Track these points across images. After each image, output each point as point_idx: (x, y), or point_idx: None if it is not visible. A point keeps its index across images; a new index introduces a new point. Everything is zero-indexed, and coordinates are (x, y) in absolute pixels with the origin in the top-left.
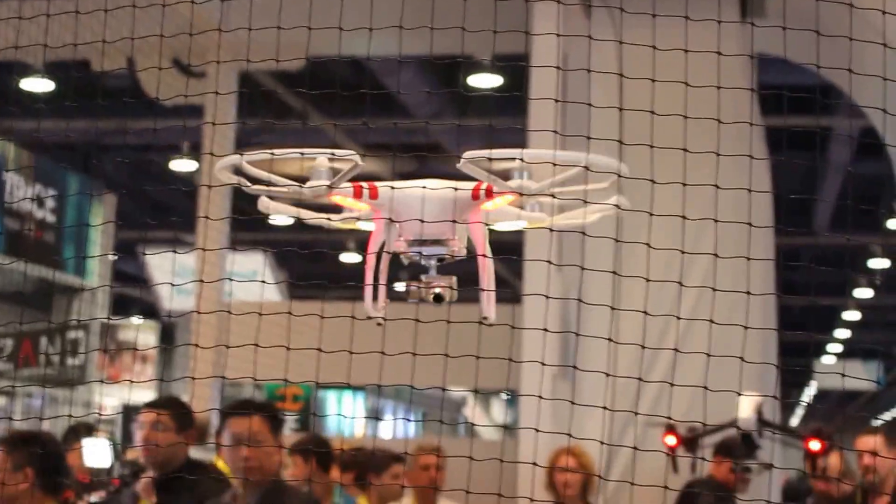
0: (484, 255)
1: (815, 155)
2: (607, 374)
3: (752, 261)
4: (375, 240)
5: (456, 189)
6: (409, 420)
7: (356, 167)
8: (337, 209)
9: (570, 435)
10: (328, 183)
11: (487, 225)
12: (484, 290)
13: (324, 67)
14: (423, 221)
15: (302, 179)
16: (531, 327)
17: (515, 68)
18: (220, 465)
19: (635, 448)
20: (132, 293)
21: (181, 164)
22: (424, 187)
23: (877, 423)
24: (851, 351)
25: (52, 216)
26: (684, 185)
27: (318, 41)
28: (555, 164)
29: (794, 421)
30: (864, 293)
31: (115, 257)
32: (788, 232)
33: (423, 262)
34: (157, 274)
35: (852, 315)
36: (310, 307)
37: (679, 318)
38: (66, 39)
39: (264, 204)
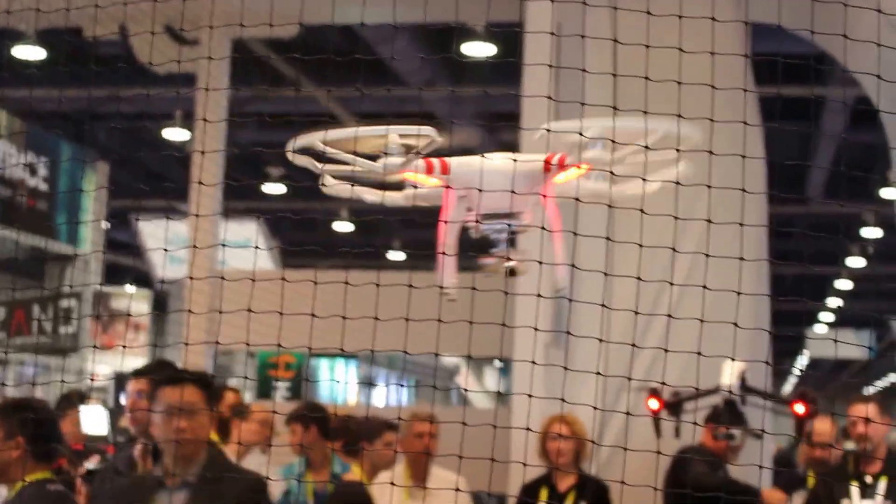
0: (557, 229)
1: (809, 124)
2: (600, 340)
3: (745, 228)
4: (448, 214)
5: (528, 162)
6: (402, 385)
7: (432, 143)
8: (399, 186)
9: (563, 400)
10: (402, 160)
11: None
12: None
13: (317, 35)
14: (478, 192)
15: (370, 157)
16: (524, 293)
17: (509, 37)
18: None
19: (628, 413)
20: (125, 261)
21: (174, 133)
22: (493, 160)
23: (869, 391)
24: (844, 320)
25: (44, 185)
26: (678, 150)
27: (311, 8)
28: (645, 143)
29: (787, 389)
30: (856, 262)
31: (108, 225)
32: (782, 200)
33: (493, 236)
34: (149, 242)
35: (845, 284)
36: (302, 276)
37: (672, 285)
38: (58, 5)
39: (330, 184)
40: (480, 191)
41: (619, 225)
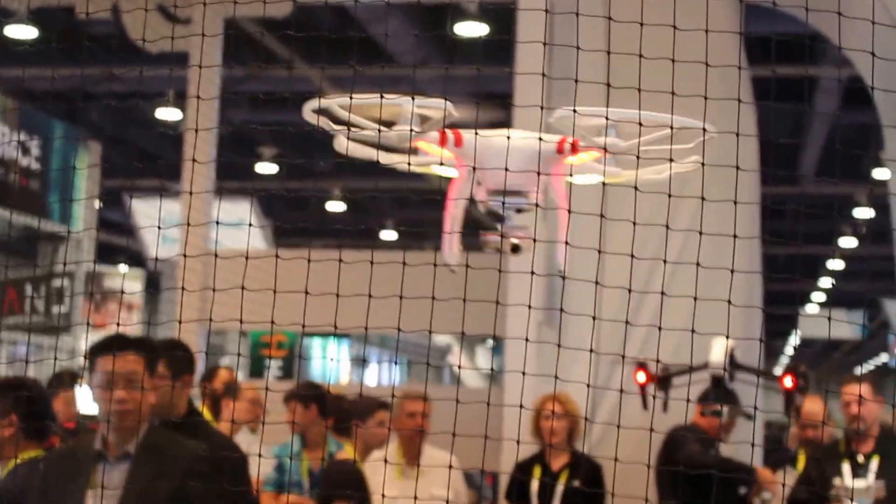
0: (566, 209)
1: (802, 103)
2: (593, 318)
3: (738, 207)
4: (457, 187)
5: (541, 141)
6: (395, 363)
7: (448, 115)
8: (414, 151)
9: (556, 377)
10: (417, 129)
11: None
12: (564, 242)
13: (310, 14)
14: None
15: (387, 124)
16: (517, 270)
17: (501, 17)
18: (206, 413)
19: (622, 391)
20: (118, 241)
21: (166, 112)
22: (509, 137)
23: (860, 371)
24: (836, 300)
25: (36, 164)
26: (671, 128)
27: None
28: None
29: (778, 370)
30: (848, 242)
31: (100, 205)
32: (775, 180)
33: (502, 213)
34: (142, 221)
35: (836, 264)
36: (295, 254)
37: (665, 262)
38: None
39: (341, 144)
40: (488, 171)
41: (612, 202)
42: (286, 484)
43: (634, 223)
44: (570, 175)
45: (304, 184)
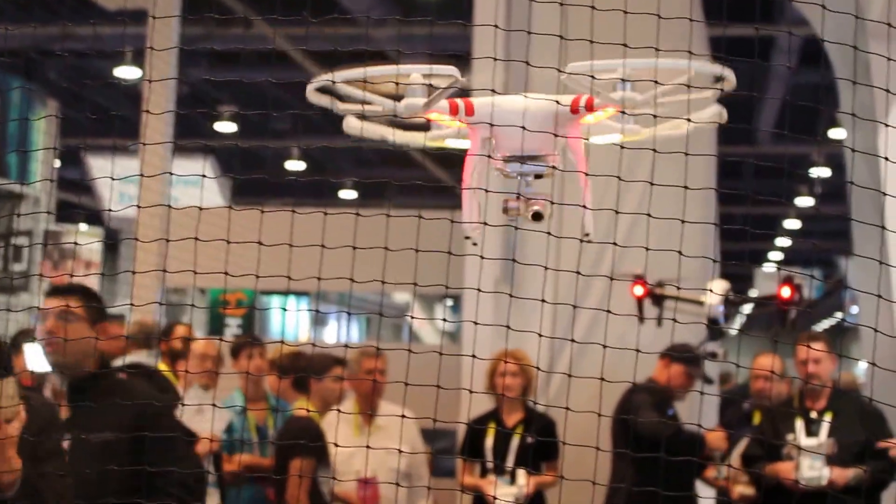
0: (585, 172)
1: (758, 63)
2: (545, 268)
3: (694, 162)
4: (473, 158)
5: (556, 103)
6: (349, 314)
7: (456, 83)
8: (427, 127)
9: (508, 327)
10: (424, 101)
11: (585, 139)
12: (586, 206)
13: None
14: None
15: (395, 97)
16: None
17: None
18: (165, 370)
19: (573, 341)
20: (76, 199)
21: (125, 71)
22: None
23: (816, 329)
24: (791, 259)
25: None
26: (623, 80)
27: None
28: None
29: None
30: (804, 202)
31: (58, 163)
32: (731, 140)
33: (520, 179)
34: (100, 180)
35: (793, 223)
36: (253, 213)
37: (617, 213)
38: None
39: (352, 125)
40: (503, 137)
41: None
42: (237, 444)
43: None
44: (593, 135)
45: (263, 142)
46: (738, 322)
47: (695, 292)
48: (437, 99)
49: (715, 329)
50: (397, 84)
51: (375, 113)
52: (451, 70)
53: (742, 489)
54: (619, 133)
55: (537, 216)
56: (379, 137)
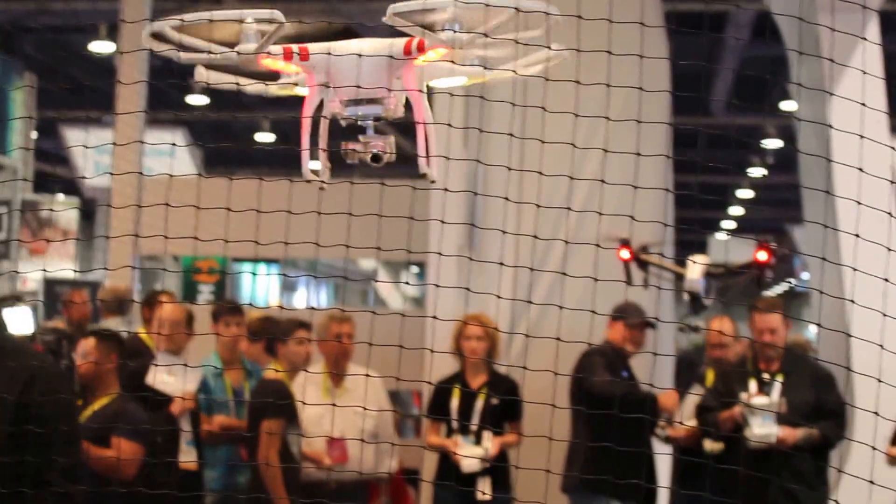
0: (422, 120)
1: (712, 37)
2: (503, 232)
3: (647, 131)
4: (310, 103)
5: (387, 46)
6: (317, 278)
7: (281, 27)
8: (275, 75)
9: (468, 289)
10: (256, 46)
11: (427, 84)
12: (425, 155)
13: None
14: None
15: (229, 45)
16: (435, 187)
17: None
18: (145, 336)
19: (530, 302)
20: (53, 170)
21: (100, 45)
22: (357, 48)
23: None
24: (744, 227)
25: None
26: (578, 50)
27: None
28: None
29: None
30: (757, 172)
31: (36, 135)
32: (685, 110)
33: (360, 123)
34: (76, 151)
35: (746, 193)
36: (224, 182)
37: (571, 179)
38: None
39: (201, 74)
40: (339, 82)
41: (527, 121)
42: (214, 405)
43: (543, 142)
44: (433, 79)
45: (233, 114)
46: (714, 288)
47: (676, 264)
48: (266, 44)
49: (697, 303)
50: (213, 25)
51: (213, 61)
52: (274, 14)
53: (711, 445)
54: (461, 76)
55: (376, 158)
56: (231, 86)
